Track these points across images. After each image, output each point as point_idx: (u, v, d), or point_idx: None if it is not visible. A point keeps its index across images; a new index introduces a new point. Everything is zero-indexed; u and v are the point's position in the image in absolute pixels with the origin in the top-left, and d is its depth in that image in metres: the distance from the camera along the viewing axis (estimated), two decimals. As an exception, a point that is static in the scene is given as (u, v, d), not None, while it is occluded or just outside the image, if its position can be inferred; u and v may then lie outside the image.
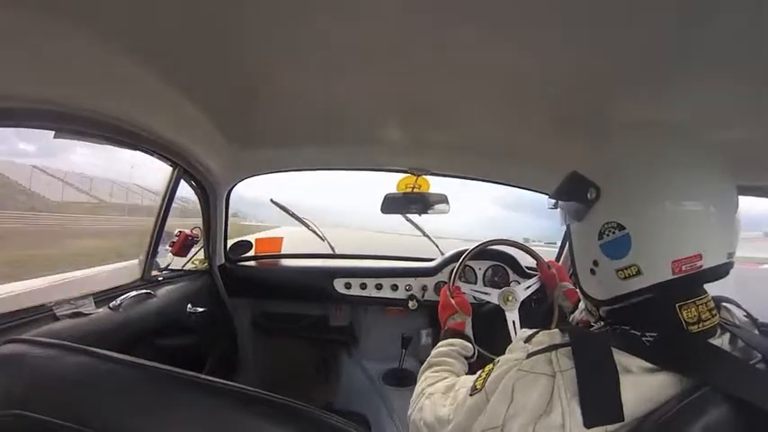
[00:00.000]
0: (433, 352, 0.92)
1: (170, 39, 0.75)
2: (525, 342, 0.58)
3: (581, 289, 0.66)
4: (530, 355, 0.55)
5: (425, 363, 0.90)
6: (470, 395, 0.60)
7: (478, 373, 0.64)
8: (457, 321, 1.03)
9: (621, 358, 0.51)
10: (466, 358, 0.91)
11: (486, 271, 1.73)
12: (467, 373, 0.84)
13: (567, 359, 0.52)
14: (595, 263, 0.59)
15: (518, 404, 0.52)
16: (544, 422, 0.50)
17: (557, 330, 0.57)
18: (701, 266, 0.52)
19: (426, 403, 0.71)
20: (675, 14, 0.56)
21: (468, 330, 1.03)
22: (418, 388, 0.80)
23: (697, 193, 0.53)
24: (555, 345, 0.54)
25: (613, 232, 0.56)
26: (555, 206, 0.71)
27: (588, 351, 0.52)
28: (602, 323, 0.64)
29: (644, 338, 0.53)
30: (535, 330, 0.59)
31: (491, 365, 0.61)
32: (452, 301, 1.09)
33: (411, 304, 1.70)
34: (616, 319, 0.59)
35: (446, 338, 0.96)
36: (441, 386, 0.73)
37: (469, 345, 0.93)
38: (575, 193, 0.62)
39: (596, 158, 0.64)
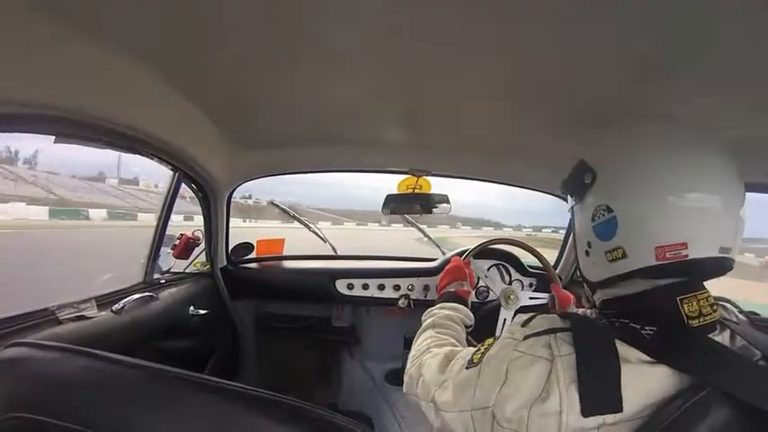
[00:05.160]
0: (439, 312, 0.93)
1: (170, 41, 0.75)
2: (522, 326, 0.58)
3: (579, 270, 0.68)
4: (527, 338, 0.55)
5: (429, 319, 0.90)
6: (466, 368, 0.61)
7: (478, 346, 0.64)
8: (464, 289, 1.04)
9: (621, 349, 0.50)
10: (466, 327, 0.93)
11: (489, 269, 1.73)
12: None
13: (566, 344, 0.52)
14: (589, 244, 0.62)
15: (511, 386, 0.52)
16: (539, 408, 0.49)
17: (555, 315, 0.57)
18: (686, 256, 0.52)
19: (431, 361, 0.71)
20: (678, 14, 0.56)
21: (469, 302, 1.04)
22: (423, 344, 0.80)
23: (686, 182, 0.54)
24: (554, 328, 0.54)
25: (603, 215, 0.58)
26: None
27: (589, 337, 0.52)
28: (596, 310, 0.64)
29: (643, 332, 0.52)
30: (532, 315, 0.59)
31: (491, 340, 0.62)
32: (466, 270, 1.09)
33: (401, 302, 1.68)
34: (615, 312, 0.59)
35: (450, 301, 0.97)
36: (446, 350, 0.74)
37: (471, 314, 0.95)
38: (576, 177, 0.65)
39: (598, 146, 0.67)
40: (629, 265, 0.56)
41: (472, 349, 0.65)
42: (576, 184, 0.64)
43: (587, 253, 0.62)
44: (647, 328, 0.52)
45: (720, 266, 0.55)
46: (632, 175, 0.56)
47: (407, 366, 0.77)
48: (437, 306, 0.97)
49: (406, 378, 0.76)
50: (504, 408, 0.51)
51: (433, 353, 0.74)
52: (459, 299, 1.00)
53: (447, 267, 1.15)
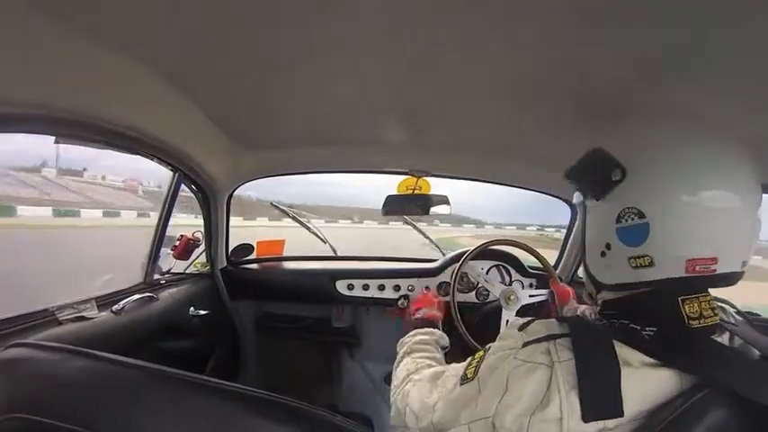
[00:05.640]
0: (412, 339, 0.91)
1: (170, 41, 0.75)
2: (519, 330, 0.56)
3: (586, 268, 0.64)
4: (526, 344, 0.54)
5: (404, 348, 0.89)
6: (460, 384, 0.59)
7: (468, 360, 0.62)
8: (432, 313, 1.03)
9: (621, 351, 0.50)
10: (442, 348, 0.92)
11: (488, 270, 1.73)
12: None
13: (566, 349, 0.51)
14: (608, 246, 0.57)
15: (512, 395, 0.51)
16: (540, 415, 0.49)
17: (553, 320, 0.56)
18: (714, 270, 0.51)
19: (413, 390, 0.70)
20: (679, 13, 0.55)
21: (439, 326, 1.04)
22: (401, 373, 0.79)
23: (729, 197, 0.51)
24: (553, 335, 0.53)
25: (632, 218, 0.54)
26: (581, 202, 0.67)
27: (588, 342, 0.51)
28: (597, 309, 0.63)
29: (644, 333, 0.52)
30: (529, 319, 0.58)
31: (481, 353, 0.60)
32: (435, 300, 1.10)
33: (401, 302, 1.69)
34: (615, 313, 0.58)
35: (420, 327, 0.96)
36: (427, 373, 0.72)
37: (446, 336, 0.94)
38: (598, 171, 0.58)
39: (627, 139, 0.60)
40: (654, 274, 0.53)
41: (459, 366, 0.64)
42: (597, 177, 0.58)
43: (603, 254, 0.58)
44: (647, 328, 0.52)
45: (735, 280, 0.54)
46: (673, 179, 0.52)
47: (392, 399, 0.76)
48: (409, 334, 0.94)
49: (392, 411, 0.75)
50: (504, 417, 0.51)
51: (414, 380, 0.73)
52: (429, 323, 0.99)
53: (416, 298, 1.13)
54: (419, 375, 0.74)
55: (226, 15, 0.65)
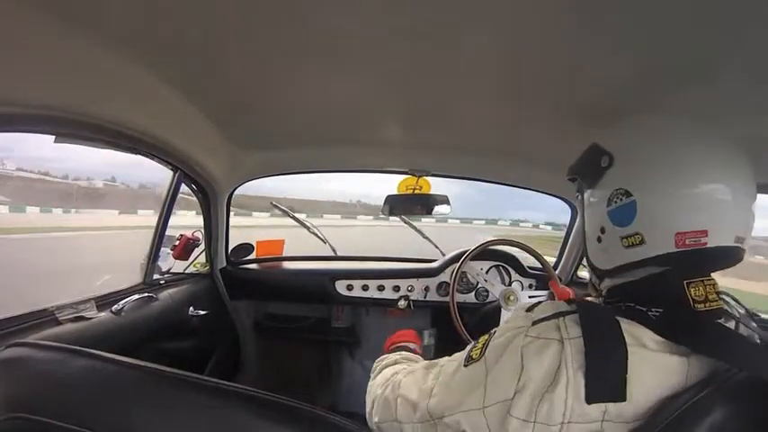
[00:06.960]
0: (399, 355, 0.89)
1: (171, 42, 0.75)
2: (527, 311, 0.56)
3: (588, 259, 0.66)
4: (535, 323, 0.53)
5: (389, 359, 0.87)
6: (465, 366, 0.57)
7: (471, 345, 0.61)
8: (419, 351, 1.00)
9: (632, 329, 0.49)
10: None
11: (488, 271, 1.73)
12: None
13: (575, 326, 0.50)
14: (602, 230, 0.60)
15: (528, 373, 0.50)
16: (549, 394, 0.48)
17: (561, 301, 0.56)
18: (705, 243, 0.51)
19: (405, 380, 0.68)
20: (678, 14, 0.56)
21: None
22: (387, 372, 0.77)
23: (711, 173, 0.53)
24: (561, 312, 0.53)
25: (621, 199, 0.56)
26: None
27: (596, 319, 0.51)
28: (601, 299, 0.63)
29: (650, 313, 0.52)
30: (537, 301, 0.58)
31: (485, 336, 0.59)
32: (413, 334, 1.07)
33: (401, 303, 1.70)
34: (619, 298, 0.58)
35: (404, 355, 0.93)
36: (419, 365, 0.71)
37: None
38: (590, 160, 0.62)
39: (615, 130, 0.65)
40: (647, 251, 0.54)
41: (458, 354, 0.63)
42: (589, 167, 0.62)
43: (599, 239, 0.60)
44: (653, 309, 0.52)
45: (734, 256, 0.54)
46: (654, 160, 0.55)
47: (376, 394, 0.73)
48: (393, 353, 0.92)
49: (378, 405, 0.71)
50: (520, 398, 0.49)
51: (405, 372, 0.71)
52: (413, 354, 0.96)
53: (399, 331, 1.09)
54: (411, 368, 0.71)
55: (226, 15, 0.65)
